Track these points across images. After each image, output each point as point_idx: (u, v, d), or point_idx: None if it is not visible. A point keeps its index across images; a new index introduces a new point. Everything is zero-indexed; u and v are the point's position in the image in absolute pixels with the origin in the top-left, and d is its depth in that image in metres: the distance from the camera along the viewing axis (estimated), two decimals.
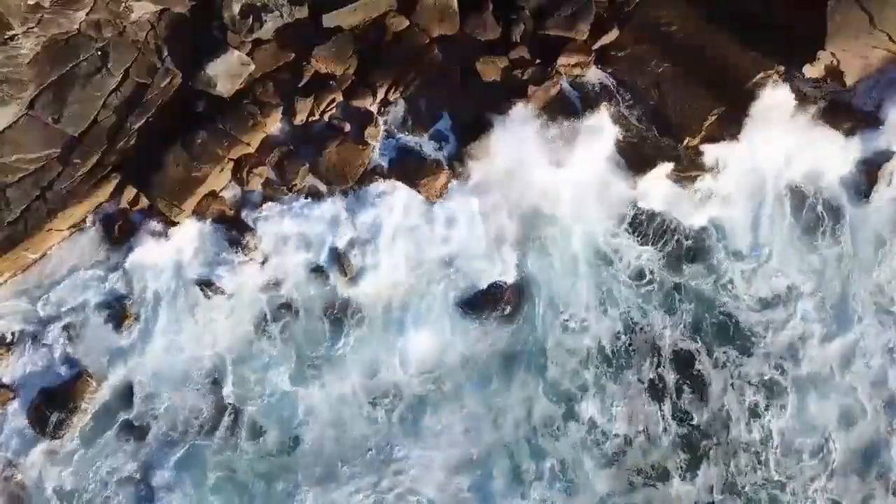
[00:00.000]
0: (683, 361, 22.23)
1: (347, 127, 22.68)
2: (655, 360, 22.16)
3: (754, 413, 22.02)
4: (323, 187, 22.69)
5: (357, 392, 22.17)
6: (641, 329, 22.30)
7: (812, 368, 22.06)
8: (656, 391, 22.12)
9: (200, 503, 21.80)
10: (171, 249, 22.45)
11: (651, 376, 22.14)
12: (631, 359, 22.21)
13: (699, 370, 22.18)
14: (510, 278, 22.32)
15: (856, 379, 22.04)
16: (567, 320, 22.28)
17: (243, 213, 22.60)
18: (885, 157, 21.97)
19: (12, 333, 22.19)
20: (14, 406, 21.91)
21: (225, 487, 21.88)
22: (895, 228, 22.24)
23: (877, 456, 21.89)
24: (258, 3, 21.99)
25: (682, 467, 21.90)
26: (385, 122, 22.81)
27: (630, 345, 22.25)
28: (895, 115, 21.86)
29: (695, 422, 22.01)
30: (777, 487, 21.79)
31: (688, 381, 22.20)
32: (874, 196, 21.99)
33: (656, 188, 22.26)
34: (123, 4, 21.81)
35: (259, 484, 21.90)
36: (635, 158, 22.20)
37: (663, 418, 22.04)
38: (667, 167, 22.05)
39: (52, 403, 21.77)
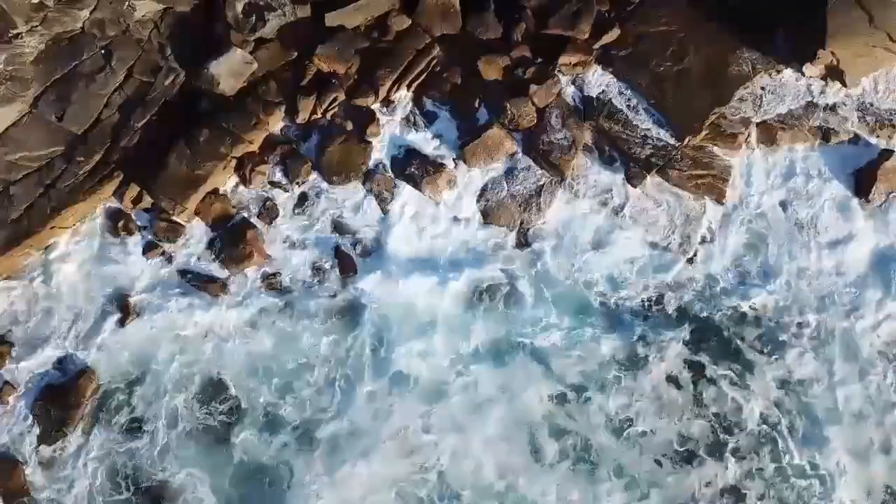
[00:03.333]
0: None
1: (349, 125, 22.78)
2: None
3: None
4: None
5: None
6: None
7: None
8: None
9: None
10: (172, 246, 22.57)
11: None
12: None
13: None
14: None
15: None
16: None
17: (245, 211, 22.75)
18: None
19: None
20: (18, 403, 21.97)
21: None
22: None
23: None
24: (261, 2, 22.08)
25: None
26: (387, 121, 22.89)
27: None
28: None
29: None
30: None
31: None
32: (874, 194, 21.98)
33: None
34: (127, 3, 21.95)
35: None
36: None
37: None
38: None
39: (55, 400, 21.81)
